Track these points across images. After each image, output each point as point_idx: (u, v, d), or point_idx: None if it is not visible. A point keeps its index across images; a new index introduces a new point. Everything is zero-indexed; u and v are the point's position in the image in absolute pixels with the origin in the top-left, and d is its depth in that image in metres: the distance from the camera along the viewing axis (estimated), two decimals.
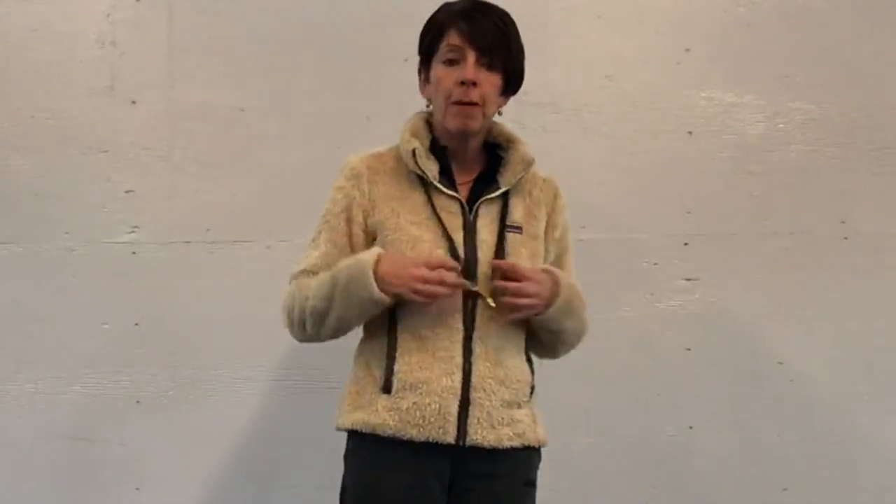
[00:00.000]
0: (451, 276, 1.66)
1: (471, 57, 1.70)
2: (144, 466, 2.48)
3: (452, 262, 1.68)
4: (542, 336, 1.80)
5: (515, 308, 1.70)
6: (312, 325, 1.74)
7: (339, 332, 1.76)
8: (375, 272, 1.66)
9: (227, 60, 2.51)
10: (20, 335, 2.49)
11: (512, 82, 1.77)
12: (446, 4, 1.77)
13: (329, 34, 2.50)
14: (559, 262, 1.85)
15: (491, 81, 1.73)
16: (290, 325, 1.79)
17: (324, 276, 1.72)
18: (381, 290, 1.65)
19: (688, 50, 2.52)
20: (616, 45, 2.52)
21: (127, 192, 2.50)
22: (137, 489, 2.49)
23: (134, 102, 2.50)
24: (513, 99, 1.84)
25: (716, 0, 2.53)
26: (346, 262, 1.70)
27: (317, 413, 2.40)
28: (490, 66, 1.72)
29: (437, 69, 1.74)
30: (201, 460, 2.49)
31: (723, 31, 2.53)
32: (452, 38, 1.71)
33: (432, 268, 1.65)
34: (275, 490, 2.49)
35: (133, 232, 2.50)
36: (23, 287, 2.49)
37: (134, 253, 2.49)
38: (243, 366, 2.49)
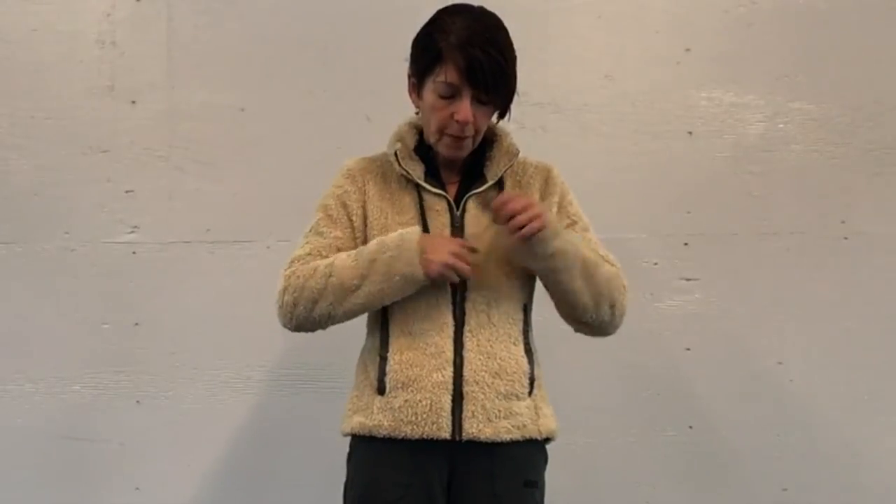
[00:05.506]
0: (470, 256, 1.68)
1: (467, 97, 1.68)
2: (144, 466, 2.49)
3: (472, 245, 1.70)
4: (557, 295, 1.75)
5: (521, 225, 1.62)
6: (330, 303, 1.69)
7: (354, 313, 1.72)
8: (420, 247, 1.66)
9: (227, 60, 2.51)
10: (20, 335, 2.49)
11: (505, 108, 1.76)
12: (445, 23, 1.69)
13: (329, 34, 2.50)
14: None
15: (484, 114, 1.72)
16: (293, 305, 1.71)
17: (354, 254, 1.71)
18: (422, 266, 1.65)
19: (688, 50, 2.53)
20: (616, 45, 2.52)
21: (127, 192, 2.50)
22: (137, 489, 2.49)
23: (134, 102, 2.51)
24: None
25: (716, 0, 2.53)
26: (386, 238, 1.69)
27: (317, 413, 2.41)
28: (485, 102, 1.70)
29: (431, 98, 1.71)
30: (201, 460, 2.49)
31: (723, 31, 2.53)
32: (450, 74, 1.66)
33: (463, 246, 1.68)
34: (275, 490, 2.49)
35: (133, 232, 2.50)
36: (23, 287, 2.49)
37: (134, 253, 2.49)
38: (243, 366, 2.49)
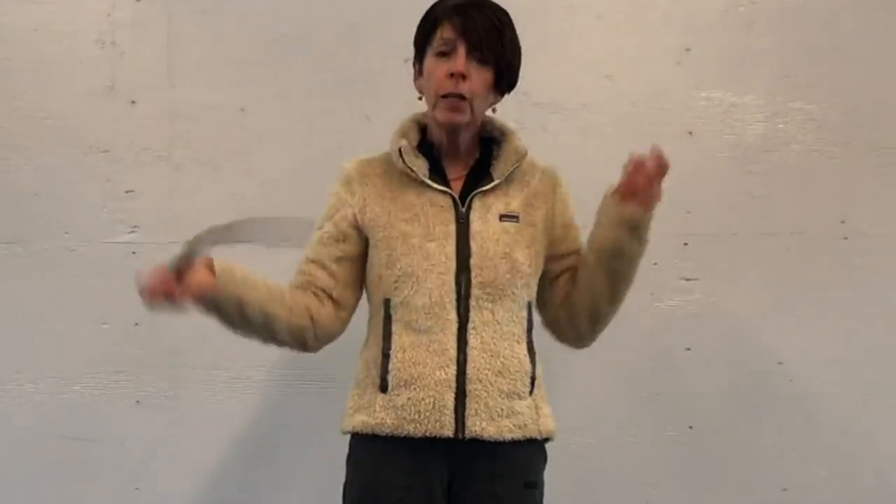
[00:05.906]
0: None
1: (462, 50, 1.71)
2: (144, 466, 2.49)
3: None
4: (608, 271, 1.80)
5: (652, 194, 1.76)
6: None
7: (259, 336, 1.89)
8: None
9: (227, 60, 2.50)
10: (20, 335, 2.49)
11: (504, 78, 1.77)
12: (442, 1, 1.76)
13: (329, 34, 2.50)
14: (577, 244, 1.87)
15: (481, 76, 1.73)
16: None
17: None
18: None
19: (688, 50, 2.52)
20: (616, 45, 2.52)
21: (127, 192, 2.50)
22: (137, 489, 2.49)
23: (134, 102, 2.50)
24: (513, 99, 1.83)
25: (716, 0, 2.53)
26: None
27: (317, 412, 2.41)
28: (482, 61, 1.72)
29: (429, 61, 1.75)
30: (201, 460, 2.49)
31: (723, 31, 2.53)
32: (445, 31, 1.72)
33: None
34: (275, 490, 2.49)
35: (133, 232, 2.50)
36: (23, 287, 2.49)
37: (134, 253, 2.49)
38: (243, 366, 2.49)
